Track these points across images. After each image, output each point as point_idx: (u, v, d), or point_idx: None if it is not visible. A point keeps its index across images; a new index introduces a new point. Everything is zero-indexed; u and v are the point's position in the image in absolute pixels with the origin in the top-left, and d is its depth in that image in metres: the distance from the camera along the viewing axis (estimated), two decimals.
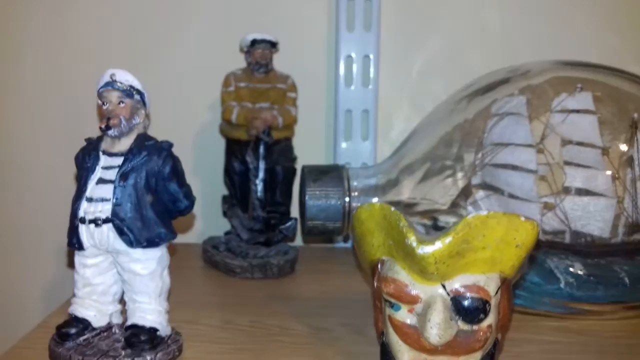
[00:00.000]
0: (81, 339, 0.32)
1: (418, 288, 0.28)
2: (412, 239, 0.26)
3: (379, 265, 0.29)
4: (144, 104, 0.33)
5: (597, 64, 0.46)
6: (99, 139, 0.33)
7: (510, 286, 0.29)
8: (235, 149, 0.51)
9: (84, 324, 0.32)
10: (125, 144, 0.32)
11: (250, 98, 0.50)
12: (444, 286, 0.27)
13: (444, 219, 0.46)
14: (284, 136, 0.51)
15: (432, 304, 0.27)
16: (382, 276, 0.29)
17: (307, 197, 0.43)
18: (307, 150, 0.59)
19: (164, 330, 0.33)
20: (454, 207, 0.47)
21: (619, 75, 0.46)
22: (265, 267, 0.48)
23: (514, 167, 0.45)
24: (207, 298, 0.44)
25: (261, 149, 0.50)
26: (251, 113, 0.49)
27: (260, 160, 0.50)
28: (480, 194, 0.46)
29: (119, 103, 0.32)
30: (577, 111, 0.46)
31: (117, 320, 0.34)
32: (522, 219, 0.27)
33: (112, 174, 0.31)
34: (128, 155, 0.31)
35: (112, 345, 0.32)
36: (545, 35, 0.58)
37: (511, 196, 0.46)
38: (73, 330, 0.32)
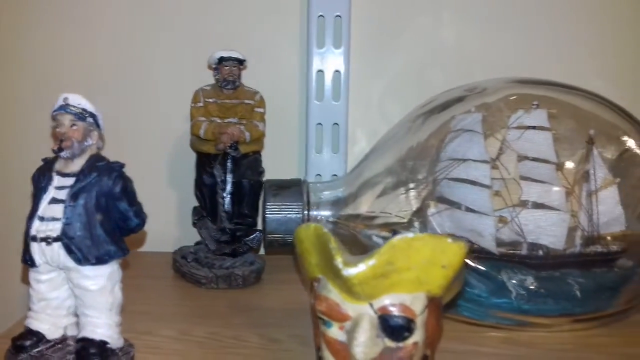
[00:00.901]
0: (35, 350, 0.33)
1: (348, 306, 0.29)
2: (338, 261, 0.28)
3: (315, 283, 0.31)
4: (98, 126, 0.34)
5: (553, 82, 0.47)
6: (54, 160, 0.34)
7: (439, 304, 0.30)
8: (204, 162, 0.52)
9: (38, 337, 0.34)
10: (77, 164, 0.33)
11: (219, 113, 0.51)
12: (371, 305, 0.28)
13: (403, 232, 0.47)
14: (252, 150, 0.52)
15: (359, 322, 0.28)
16: (317, 294, 0.30)
17: (266, 211, 0.45)
18: (279, 163, 0.61)
19: (114, 342, 0.34)
20: (413, 220, 0.48)
21: (575, 92, 0.47)
22: (230, 278, 0.49)
23: (470, 182, 0.46)
24: (169, 309, 0.45)
25: (229, 163, 0.51)
26: (219, 128, 0.50)
27: (227, 173, 0.51)
28: (437, 207, 0.47)
29: (72, 126, 0.33)
30: (533, 127, 0.47)
31: (71, 332, 0.35)
32: (449, 240, 0.29)
33: (64, 194, 0.33)
34: (79, 175, 0.33)
35: (65, 357, 0.33)
36: (505, 53, 0.59)
37: (468, 210, 0.47)
38: (27, 343, 0.33)
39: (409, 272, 0.28)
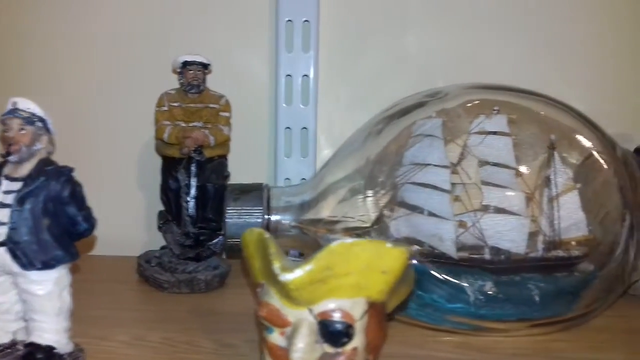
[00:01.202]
0: None
1: (288, 312, 0.29)
2: (276, 266, 0.28)
3: (258, 289, 0.31)
4: (48, 130, 0.34)
5: (514, 87, 0.48)
6: (3, 164, 0.34)
7: (381, 309, 0.30)
8: (169, 166, 0.52)
9: None
10: (26, 169, 0.33)
11: (184, 117, 0.51)
12: (310, 310, 0.28)
13: (366, 237, 0.47)
14: (217, 154, 0.52)
15: (298, 328, 0.28)
16: (259, 299, 0.30)
17: (226, 216, 0.45)
18: (248, 167, 0.61)
19: (62, 347, 0.34)
20: (376, 224, 0.48)
21: (536, 98, 0.47)
22: (192, 282, 0.49)
23: (431, 187, 0.47)
24: (128, 313, 0.45)
25: (193, 167, 0.51)
26: (183, 132, 0.50)
27: (192, 177, 0.51)
28: (399, 212, 0.47)
29: (20, 130, 0.33)
30: (494, 133, 0.47)
31: (22, 337, 0.35)
32: (389, 245, 0.29)
33: (11, 198, 0.33)
34: (27, 180, 0.33)
35: None
36: (470, 59, 0.59)
37: (430, 214, 0.47)
38: None
39: (348, 277, 0.28)
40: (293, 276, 0.27)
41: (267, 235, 0.29)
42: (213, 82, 0.56)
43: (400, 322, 0.43)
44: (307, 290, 0.27)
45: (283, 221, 0.47)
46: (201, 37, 0.59)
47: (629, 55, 0.59)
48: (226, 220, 0.45)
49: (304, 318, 0.28)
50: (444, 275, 0.44)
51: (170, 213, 0.53)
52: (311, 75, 0.58)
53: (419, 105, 0.47)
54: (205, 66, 0.51)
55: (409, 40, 0.59)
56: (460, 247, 0.48)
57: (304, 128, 0.59)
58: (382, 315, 0.30)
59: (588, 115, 0.48)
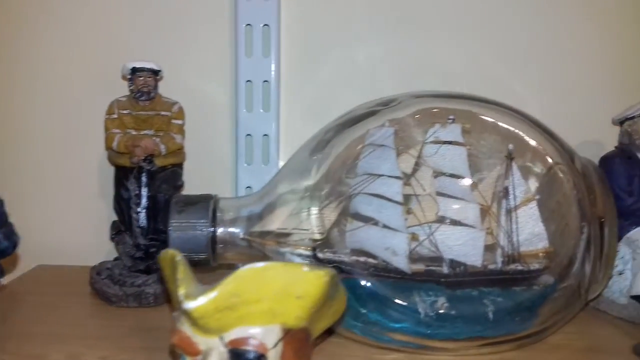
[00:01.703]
0: None
1: (199, 340, 0.27)
2: (181, 293, 0.26)
3: (174, 313, 0.29)
4: None
5: (470, 96, 0.46)
6: None
7: (300, 336, 0.29)
8: (121, 176, 0.51)
9: None
10: None
11: (135, 125, 0.50)
12: (221, 338, 0.27)
13: (320, 250, 0.46)
14: (169, 163, 0.51)
15: (207, 357, 0.27)
16: (173, 325, 0.29)
17: (170, 229, 0.43)
18: (209, 175, 0.59)
19: None
20: (329, 236, 0.46)
21: (492, 106, 0.45)
22: (140, 296, 0.48)
23: (384, 198, 0.45)
24: (70, 329, 0.44)
25: (143, 177, 0.50)
26: (132, 140, 0.49)
27: (142, 187, 0.50)
28: (353, 224, 0.46)
29: None
30: (449, 143, 0.46)
31: None
32: (305, 269, 0.27)
33: None
34: None
35: None
36: (435, 64, 0.57)
37: (385, 227, 0.46)
38: None
39: (260, 303, 0.27)
40: (196, 304, 0.25)
41: (178, 257, 0.28)
42: (171, 89, 0.55)
43: (345, 339, 0.42)
44: (214, 318, 0.26)
45: (231, 234, 0.46)
46: (158, 43, 0.57)
47: (597, 60, 0.57)
48: (170, 233, 0.44)
49: (214, 347, 0.27)
50: (391, 292, 0.42)
51: (123, 223, 0.52)
52: (272, 80, 0.57)
53: (371, 114, 0.45)
54: (155, 72, 0.49)
55: (373, 43, 0.57)
56: (417, 260, 0.47)
57: (265, 135, 0.58)
58: (301, 342, 0.29)
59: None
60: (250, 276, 0.26)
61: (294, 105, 0.58)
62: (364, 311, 0.41)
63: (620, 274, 0.50)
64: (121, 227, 0.52)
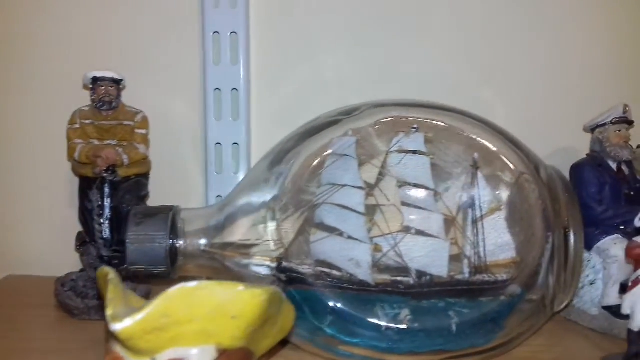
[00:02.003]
0: None
1: None
2: (108, 314, 0.26)
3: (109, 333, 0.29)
4: None
5: (434, 104, 0.45)
6: None
7: (238, 356, 0.28)
8: (84, 186, 0.50)
9: None
10: None
11: (97, 135, 0.49)
12: None
13: (285, 261, 0.45)
14: (133, 173, 0.50)
15: None
16: (107, 346, 0.28)
17: (127, 242, 0.42)
18: (179, 184, 0.59)
19: None
20: (293, 247, 0.46)
21: (455, 115, 0.45)
22: (103, 309, 0.47)
23: (347, 209, 0.44)
24: (25, 344, 0.43)
25: (106, 188, 0.49)
26: (93, 151, 0.48)
27: (105, 198, 0.49)
28: (317, 234, 0.45)
29: None
30: (413, 152, 0.45)
31: None
32: (240, 288, 0.26)
33: None
34: None
35: None
36: (403, 74, 0.57)
37: (350, 237, 0.45)
38: None
39: (192, 324, 0.26)
40: (122, 326, 0.25)
41: (111, 276, 0.27)
42: (140, 97, 0.54)
43: (302, 351, 0.41)
44: (144, 339, 0.25)
45: (192, 246, 0.45)
46: (125, 51, 0.57)
47: (571, 65, 0.57)
48: (127, 246, 0.43)
49: None
50: (352, 306, 0.42)
51: (88, 234, 0.51)
52: (241, 88, 0.56)
53: (333, 123, 0.44)
54: (117, 82, 0.49)
55: (344, 50, 0.57)
56: (383, 271, 0.46)
57: (235, 143, 0.57)
58: None
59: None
60: (181, 296, 0.25)
61: (264, 113, 0.57)
62: (320, 325, 0.40)
63: (591, 283, 0.49)
64: (86, 238, 0.51)
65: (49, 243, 0.60)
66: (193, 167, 0.58)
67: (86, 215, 0.50)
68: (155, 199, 0.57)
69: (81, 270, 0.52)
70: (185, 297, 0.25)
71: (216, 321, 0.26)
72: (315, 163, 0.45)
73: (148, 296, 0.51)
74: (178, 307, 0.25)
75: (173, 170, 0.57)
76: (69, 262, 0.57)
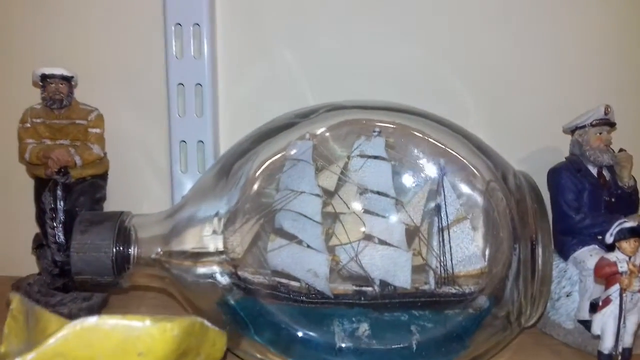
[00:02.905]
0: None
1: None
2: (1, 352, 0.24)
3: None
4: None
5: (396, 107, 0.42)
6: None
7: None
8: (39, 188, 0.48)
9: None
10: None
11: (50, 135, 0.47)
12: None
13: (241, 270, 0.43)
14: (88, 174, 0.48)
15: None
16: None
17: (72, 251, 0.41)
18: (145, 184, 0.56)
19: None
20: (249, 254, 0.43)
21: (418, 118, 0.42)
22: None
23: (305, 217, 0.42)
24: None
25: (59, 190, 0.47)
26: (44, 151, 0.46)
27: (58, 201, 0.47)
28: (275, 242, 0.42)
29: None
30: (375, 157, 0.42)
31: None
32: (147, 323, 0.24)
33: None
34: None
35: None
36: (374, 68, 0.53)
37: (309, 247, 0.43)
38: None
39: None
40: None
41: (13, 305, 0.25)
42: (102, 93, 0.52)
43: None
44: None
45: (142, 254, 0.43)
46: (83, 45, 0.54)
47: (543, 59, 0.53)
48: (71, 255, 0.41)
49: None
50: (306, 321, 0.40)
51: (45, 236, 0.49)
52: (205, 83, 0.53)
53: (289, 125, 0.42)
54: (67, 79, 0.46)
55: (313, 44, 0.53)
56: (346, 279, 0.44)
57: (200, 141, 0.54)
58: None
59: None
60: (78, 334, 0.23)
61: (230, 110, 0.55)
62: (267, 344, 0.38)
63: (568, 295, 0.47)
64: (43, 241, 0.50)
65: (10, 242, 0.58)
66: (157, 165, 0.56)
67: (42, 217, 0.49)
68: (117, 201, 0.54)
69: (39, 274, 0.51)
70: (83, 334, 0.23)
71: (120, 359, 0.24)
72: (271, 167, 0.42)
73: (105, 303, 0.49)
74: (76, 346, 0.23)
75: (136, 170, 0.55)
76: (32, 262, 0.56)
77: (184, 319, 0.25)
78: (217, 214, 0.42)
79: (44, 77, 0.46)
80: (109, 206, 0.52)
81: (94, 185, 0.48)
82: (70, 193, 0.47)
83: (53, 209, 0.47)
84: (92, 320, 0.24)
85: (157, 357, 0.25)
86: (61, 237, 0.47)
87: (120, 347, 0.24)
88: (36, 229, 0.51)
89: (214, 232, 0.42)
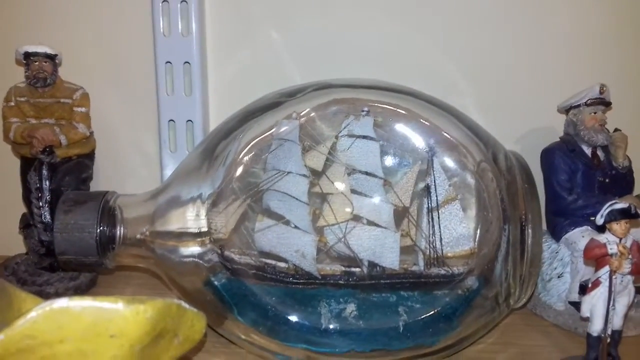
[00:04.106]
0: None
1: None
2: None
3: None
4: None
5: (385, 85, 0.41)
6: None
7: None
8: (24, 167, 0.48)
9: None
10: None
11: (34, 114, 0.46)
12: None
13: (227, 250, 0.42)
14: (74, 154, 0.47)
15: None
16: None
17: (55, 231, 0.40)
18: (133, 163, 0.56)
19: None
20: (235, 234, 0.43)
21: (411, 98, 0.41)
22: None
23: (292, 197, 0.41)
24: None
25: (44, 170, 0.46)
26: (28, 131, 0.45)
27: (44, 180, 0.46)
28: (263, 222, 0.42)
29: None
30: (364, 137, 0.41)
31: None
32: (119, 306, 0.24)
33: None
34: None
35: None
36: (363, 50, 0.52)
37: (296, 227, 0.42)
38: None
39: (64, 344, 0.23)
40: None
41: None
42: (88, 71, 0.51)
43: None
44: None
45: (128, 234, 0.42)
46: (70, 22, 0.52)
47: (539, 37, 0.52)
48: (55, 235, 0.40)
49: None
50: (292, 301, 0.39)
51: (31, 216, 0.49)
52: (194, 61, 0.52)
53: (276, 104, 0.41)
54: (51, 57, 0.45)
55: (305, 24, 0.52)
56: (334, 260, 0.43)
57: (189, 121, 0.54)
58: None
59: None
60: (47, 317, 0.23)
61: (220, 89, 0.54)
62: (251, 325, 0.38)
63: (559, 276, 0.46)
64: (30, 221, 0.49)
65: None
66: (146, 145, 0.55)
67: (28, 197, 0.48)
68: (104, 180, 0.54)
69: (26, 254, 0.50)
70: (53, 316, 0.23)
71: (92, 341, 0.24)
72: (258, 146, 0.42)
73: (93, 284, 0.49)
74: (45, 328, 0.23)
75: (124, 149, 0.54)
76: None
77: (159, 301, 0.25)
78: (200, 195, 0.42)
79: (28, 55, 0.45)
80: (97, 186, 0.52)
81: (80, 165, 0.48)
82: (56, 172, 0.46)
83: (39, 189, 0.46)
84: (62, 302, 0.23)
85: (130, 339, 0.24)
86: (47, 217, 0.47)
87: (92, 329, 0.24)
88: (23, 209, 0.51)
89: (198, 213, 0.42)
